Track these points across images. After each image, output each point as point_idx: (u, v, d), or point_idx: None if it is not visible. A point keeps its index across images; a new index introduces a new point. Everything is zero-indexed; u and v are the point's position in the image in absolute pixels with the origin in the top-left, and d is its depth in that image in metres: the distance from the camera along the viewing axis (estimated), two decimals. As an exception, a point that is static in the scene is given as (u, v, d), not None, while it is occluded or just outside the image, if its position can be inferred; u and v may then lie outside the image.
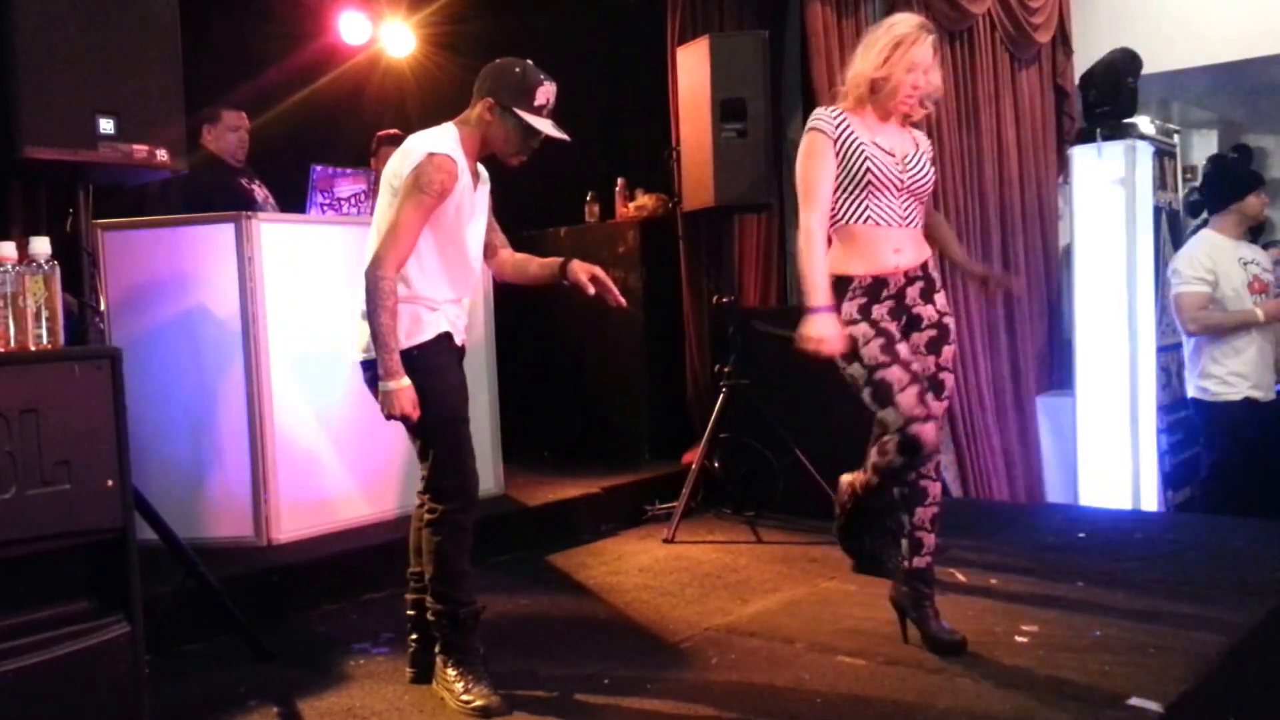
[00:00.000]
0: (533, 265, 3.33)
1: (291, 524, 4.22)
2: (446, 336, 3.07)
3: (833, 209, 3.25)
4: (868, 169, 3.20)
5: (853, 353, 3.18)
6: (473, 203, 3.13)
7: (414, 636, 3.20)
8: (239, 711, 3.03)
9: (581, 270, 3.18)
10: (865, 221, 3.23)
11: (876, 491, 3.39)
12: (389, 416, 2.94)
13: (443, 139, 3.04)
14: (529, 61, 3.11)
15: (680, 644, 3.44)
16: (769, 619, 3.63)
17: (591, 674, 3.16)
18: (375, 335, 2.92)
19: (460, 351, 3.15)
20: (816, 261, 3.20)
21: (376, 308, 2.91)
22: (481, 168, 3.22)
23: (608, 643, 3.46)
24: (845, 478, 3.58)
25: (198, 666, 3.37)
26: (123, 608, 2.55)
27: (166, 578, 3.33)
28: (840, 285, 3.23)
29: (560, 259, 3.24)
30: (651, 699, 3.00)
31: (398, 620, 3.73)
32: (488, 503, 4.84)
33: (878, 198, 3.23)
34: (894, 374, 3.14)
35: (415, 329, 3.02)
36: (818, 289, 3.18)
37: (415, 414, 2.92)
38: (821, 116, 3.27)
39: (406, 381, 2.91)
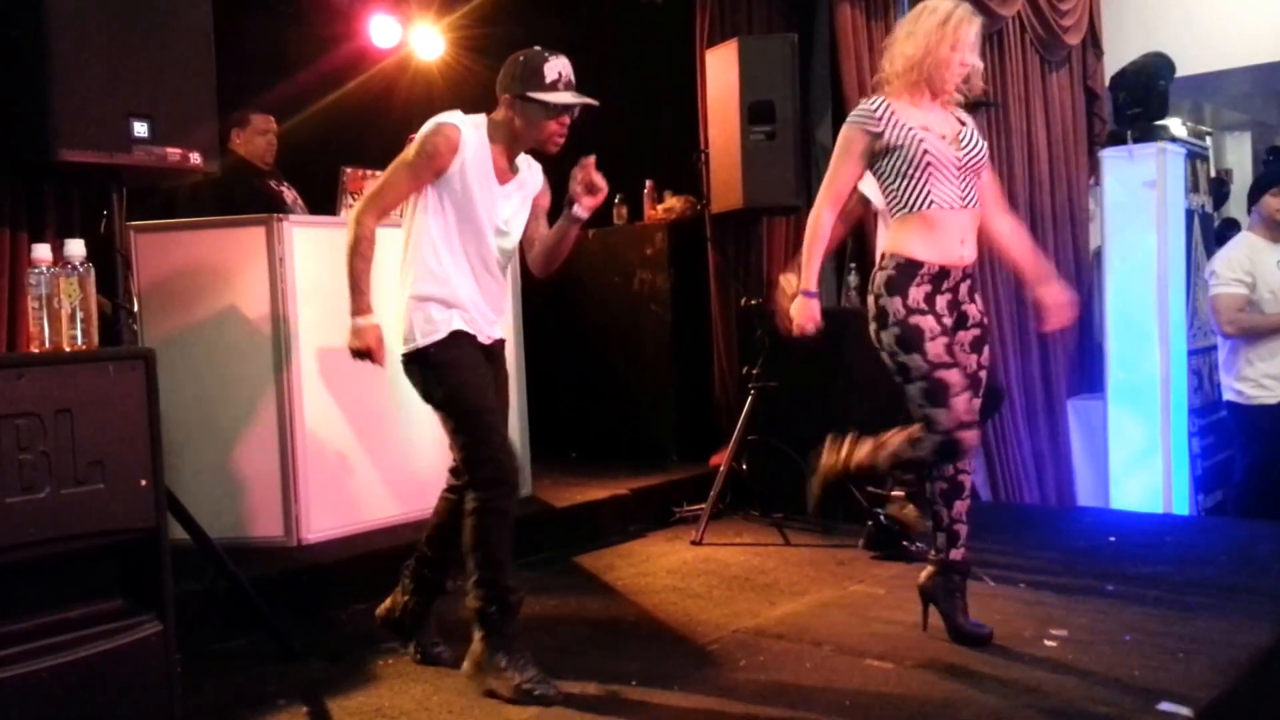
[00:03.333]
0: (552, 229, 3.34)
1: (321, 524, 4.24)
2: (461, 334, 3.10)
3: (897, 197, 3.25)
4: (925, 150, 3.19)
5: (914, 343, 3.15)
6: (497, 197, 3.14)
7: (406, 597, 3.30)
8: (268, 710, 3.05)
9: (578, 186, 3.20)
10: (930, 206, 3.22)
11: (875, 473, 3.44)
12: (354, 351, 3.09)
13: (462, 116, 3.11)
14: (534, 47, 3.15)
15: (708, 646, 3.43)
16: (797, 621, 3.63)
17: (620, 675, 3.16)
18: (350, 278, 3.08)
19: (486, 349, 3.18)
20: (816, 246, 3.32)
21: (350, 253, 3.08)
22: (528, 168, 3.24)
23: (636, 644, 3.46)
24: (861, 450, 3.44)
25: (227, 665, 3.39)
26: (155, 607, 2.57)
27: (197, 577, 3.35)
28: (909, 270, 3.21)
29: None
30: (679, 700, 3.00)
31: (426, 620, 3.76)
32: (516, 504, 4.87)
33: (939, 181, 3.21)
34: (954, 377, 3.14)
35: (429, 327, 3.08)
36: (811, 273, 3.33)
37: (380, 353, 3.08)
38: (861, 109, 3.28)
39: (375, 319, 3.08)
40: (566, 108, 3.11)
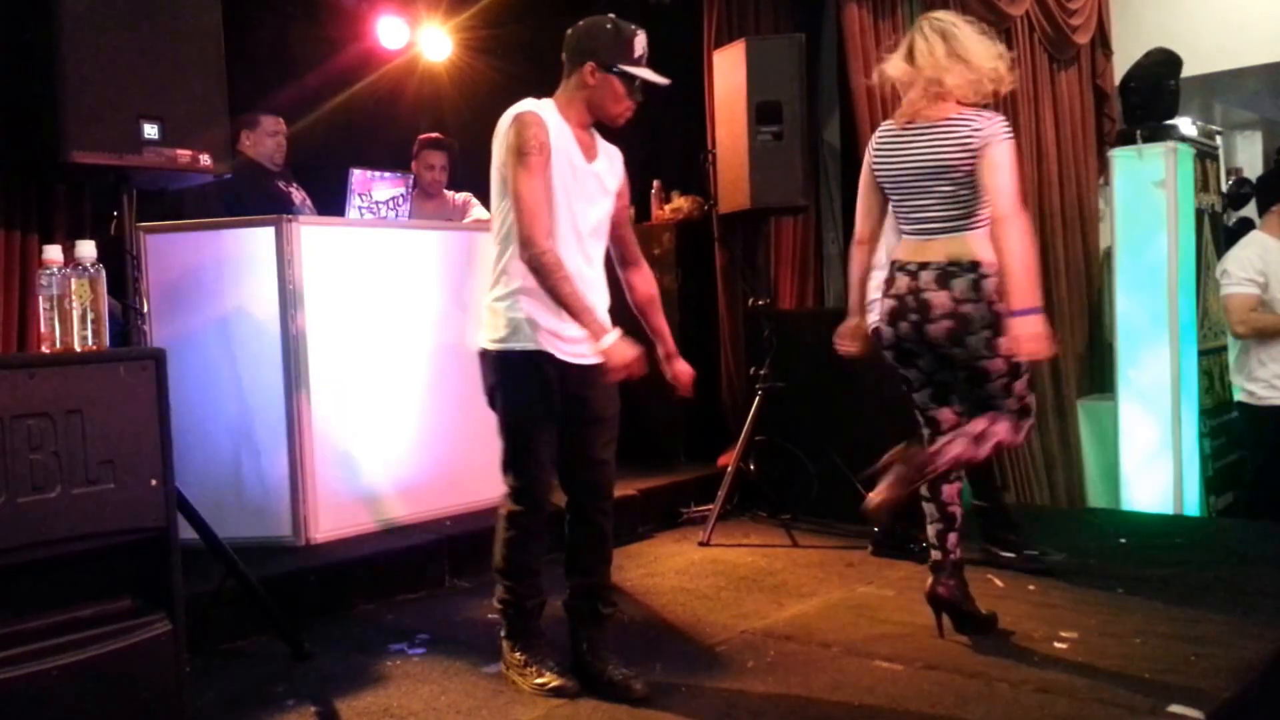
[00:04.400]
0: (651, 318, 3.29)
1: (329, 524, 4.25)
2: (528, 353, 2.98)
3: (982, 204, 3.27)
4: None
5: None
6: (584, 174, 3.03)
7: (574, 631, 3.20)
8: (277, 710, 3.05)
9: (678, 374, 3.20)
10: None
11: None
12: (615, 375, 2.90)
13: (527, 103, 3.00)
14: (612, 15, 3.08)
15: (716, 647, 3.43)
16: (805, 622, 3.62)
17: (627, 676, 3.15)
18: (567, 308, 2.87)
19: (567, 366, 3.01)
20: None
21: (552, 283, 2.86)
22: (607, 147, 3.16)
23: (644, 645, 3.46)
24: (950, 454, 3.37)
25: (236, 665, 3.40)
26: (164, 606, 2.58)
27: (206, 577, 3.36)
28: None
29: (671, 350, 3.20)
30: (687, 701, 3.00)
31: (434, 621, 3.77)
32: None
33: None
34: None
35: (511, 335, 3.00)
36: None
37: (639, 366, 2.89)
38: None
39: (617, 332, 2.89)
40: (649, 83, 3.06)
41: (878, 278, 3.59)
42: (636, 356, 2.89)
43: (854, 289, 3.60)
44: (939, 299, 3.27)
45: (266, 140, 5.20)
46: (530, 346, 2.99)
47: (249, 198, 4.78)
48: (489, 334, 3.06)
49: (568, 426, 3.08)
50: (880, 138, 3.44)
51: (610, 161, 3.15)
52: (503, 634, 3.16)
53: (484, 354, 3.09)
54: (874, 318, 3.68)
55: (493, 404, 3.11)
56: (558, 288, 2.87)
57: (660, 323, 3.28)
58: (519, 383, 3.02)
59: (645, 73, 3.03)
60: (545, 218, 2.90)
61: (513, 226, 2.95)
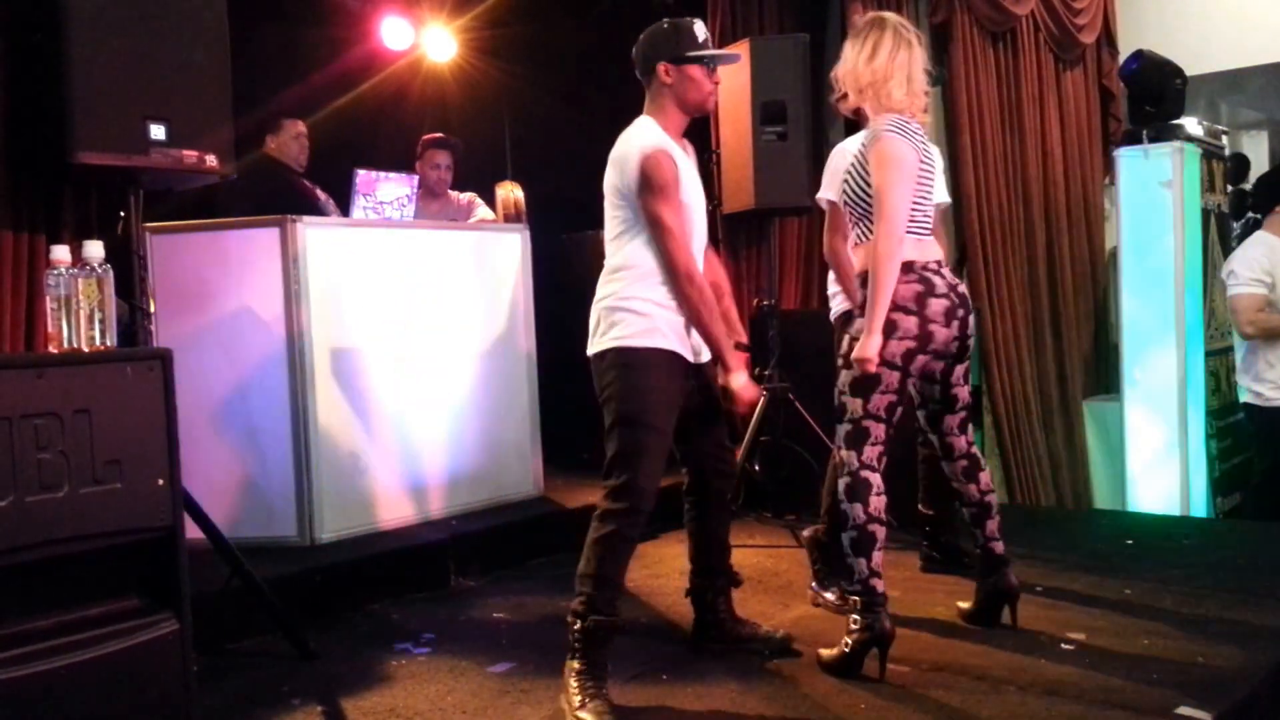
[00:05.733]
0: (720, 305, 3.28)
1: (335, 524, 4.25)
2: (659, 351, 3.06)
3: None
4: None
5: None
6: (698, 183, 3.19)
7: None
8: (283, 710, 3.05)
9: (738, 390, 3.18)
10: None
11: None
12: (743, 409, 3.19)
13: (644, 133, 3.09)
14: (666, 18, 3.21)
15: (723, 648, 3.42)
16: (811, 623, 3.62)
17: (633, 676, 3.16)
18: (710, 337, 3.08)
19: (687, 365, 3.12)
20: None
21: (706, 317, 3.05)
22: (688, 145, 3.27)
23: (649, 646, 3.46)
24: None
25: (242, 664, 3.40)
26: (171, 605, 2.59)
27: (212, 577, 3.36)
28: None
29: (729, 364, 3.17)
30: (693, 703, 3.00)
31: (439, 621, 3.77)
32: (527, 504, 4.88)
33: None
34: None
35: (626, 332, 3.06)
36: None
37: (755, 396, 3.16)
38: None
39: (742, 376, 3.12)
40: (721, 59, 3.21)
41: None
42: (759, 395, 3.10)
43: (883, 304, 3.13)
44: (965, 290, 3.33)
45: (290, 143, 5.28)
46: (656, 344, 3.06)
47: (276, 195, 4.81)
48: (620, 331, 3.06)
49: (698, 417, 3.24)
50: (911, 129, 3.22)
51: (692, 153, 3.27)
52: (568, 643, 2.98)
53: (607, 353, 3.09)
54: (837, 306, 3.96)
55: (610, 403, 3.09)
56: (710, 324, 3.06)
57: (730, 309, 3.35)
58: (639, 364, 3.06)
59: (715, 51, 3.17)
60: (690, 244, 3.08)
61: (639, 239, 3.06)
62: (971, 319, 3.32)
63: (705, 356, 3.18)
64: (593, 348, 3.12)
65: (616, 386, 3.04)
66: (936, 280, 3.22)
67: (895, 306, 3.14)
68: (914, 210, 3.23)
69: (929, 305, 3.18)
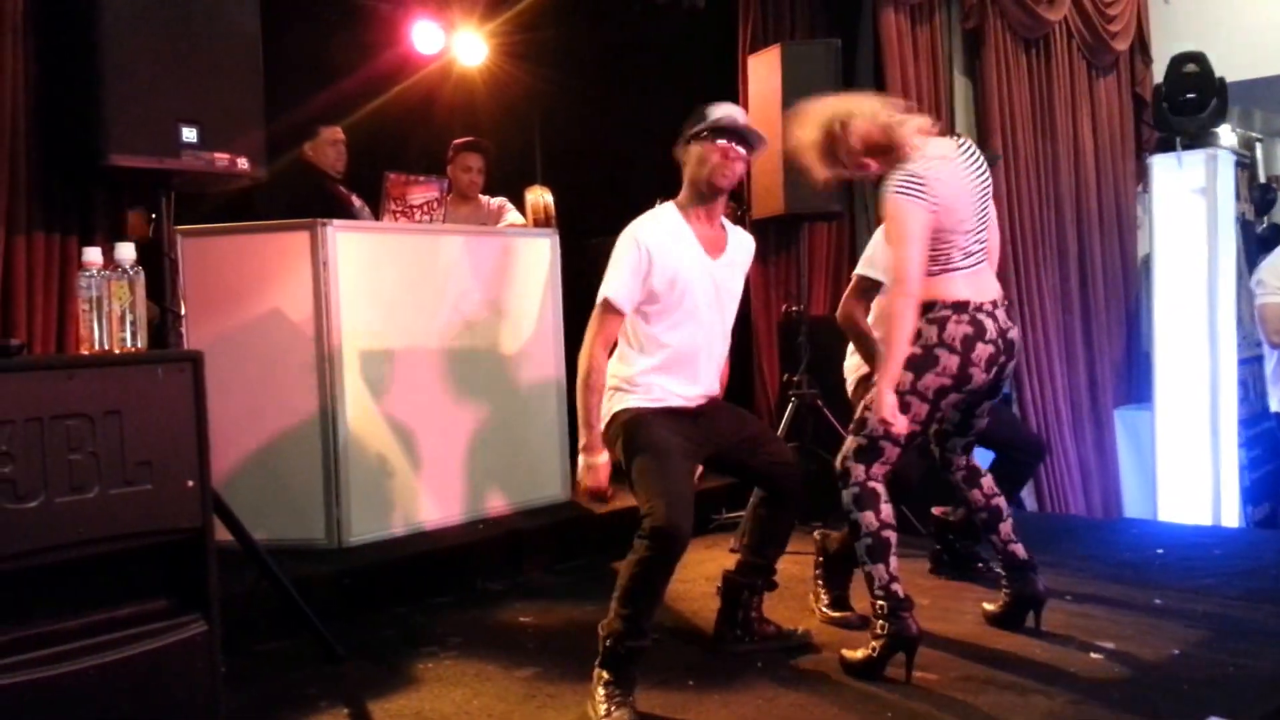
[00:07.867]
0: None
1: (363, 527, 4.27)
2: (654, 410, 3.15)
3: None
4: None
5: None
6: (705, 278, 3.20)
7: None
8: (310, 711, 3.07)
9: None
10: None
11: None
12: (579, 492, 3.27)
13: (643, 219, 3.22)
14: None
15: (749, 654, 3.41)
16: (837, 630, 3.59)
17: (658, 682, 3.14)
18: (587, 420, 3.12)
19: (687, 411, 3.21)
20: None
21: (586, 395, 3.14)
22: (740, 237, 3.32)
23: (673, 651, 3.45)
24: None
25: (270, 666, 3.41)
26: (200, 607, 2.60)
27: (241, 578, 3.38)
28: None
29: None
30: (717, 709, 2.99)
31: (466, 624, 3.78)
32: (554, 509, 4.88)
33: None
34: None
35: (623, 404, 3.18)
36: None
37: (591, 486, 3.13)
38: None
39: (591, 458, 3.09)
40: (721, 130, 3.10)
41: None
42: (599, 489, 3.11)
43: (900, 354, 3.08)
44: (1016, 335, 3.29)
45: (327, 149, 5.34)
46: (646, 405, 3.17)
47: (309, 201, 4.85)
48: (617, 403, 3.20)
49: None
50: (933, 162, 3.12)
51: (742, 251, 3.34)
52: (597, 661, 2.98)
53: (610, 425, 3.20)
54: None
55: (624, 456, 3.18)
56: (580, 400, 3.11)
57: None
58: (642, 419, 3.16)
59: (712, 119, 3.11)
60: (595, 346, 3.13)
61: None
62: (1013, 364, 3.31)
63: (710, 393, 3.28)
64: (601, 425, 3.18)
65: (623, 439, 3.12)
66: (989, 325, 3.17)
67: (942, 343, 3.12)
68: (965, 238, 3.18)
69: (975, 349, 3.15)
